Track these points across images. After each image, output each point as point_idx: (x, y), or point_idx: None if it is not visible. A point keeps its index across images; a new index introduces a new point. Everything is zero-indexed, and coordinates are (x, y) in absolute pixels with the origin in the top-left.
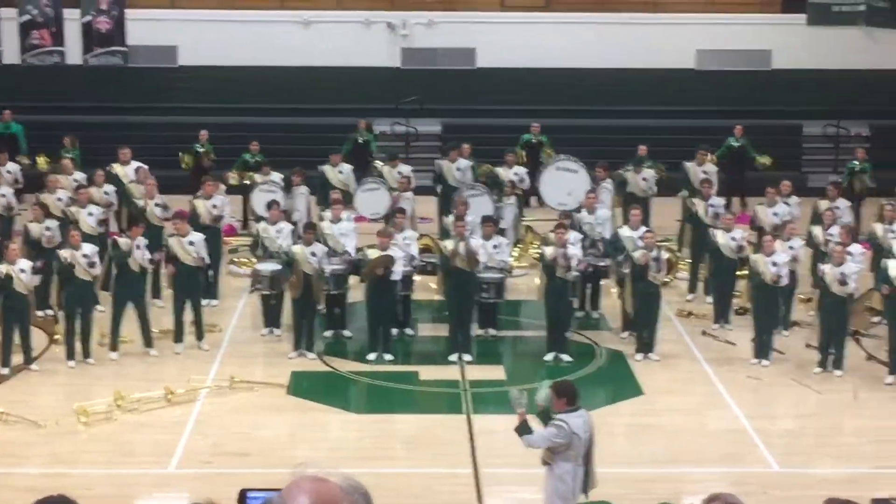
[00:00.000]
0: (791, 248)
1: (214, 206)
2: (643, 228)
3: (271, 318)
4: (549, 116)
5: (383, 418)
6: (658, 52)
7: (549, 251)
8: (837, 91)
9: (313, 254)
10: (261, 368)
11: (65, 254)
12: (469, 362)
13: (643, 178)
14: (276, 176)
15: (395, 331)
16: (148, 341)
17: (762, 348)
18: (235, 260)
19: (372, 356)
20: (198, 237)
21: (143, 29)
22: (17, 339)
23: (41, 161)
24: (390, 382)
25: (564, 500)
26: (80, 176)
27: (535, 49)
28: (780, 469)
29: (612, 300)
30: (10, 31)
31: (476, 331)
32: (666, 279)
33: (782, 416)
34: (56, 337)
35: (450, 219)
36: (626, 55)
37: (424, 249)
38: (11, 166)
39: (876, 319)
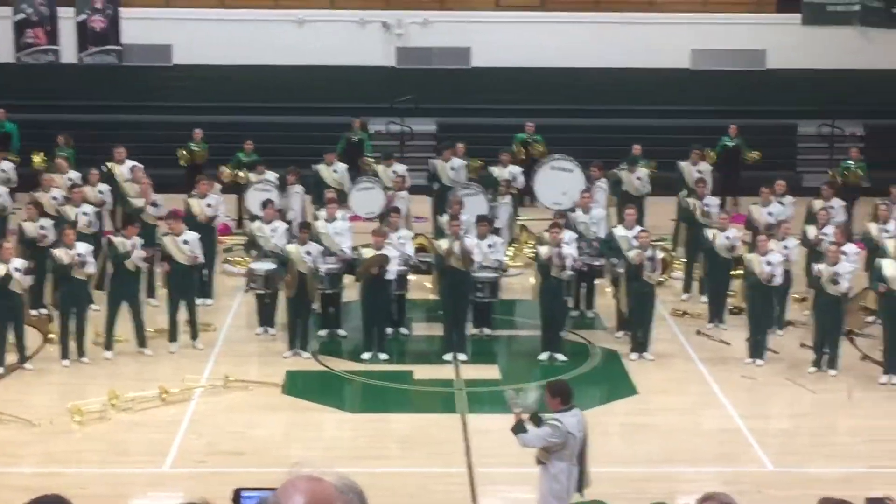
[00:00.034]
0: (786, 247)
1: (209, 205)
2: (638, 228)
3: (266, 317)
4: (544, 116)
5: (378, 417)
6: (653, 52)
7: (543, 250)
8: (832, 91)
9: (308, 253)
10: (255, 367)
11: (59, 253)
12: (464, 362)
13: (637, 176)
14: (271, 175)
15: (389, 330)
16: (142, 341)
17: (756, 348)
18: (230, 259)
19: (366, 355)
20: (192, 236)
21: (137, 28)
22: (11, 338)
23: (38, 159)
24: (385, 382)
25: (559, 500)
26: (74, 175)
27: (529, 48)
28: (774, 468)
29: (606, 299)
30: (5, 29)
31: (471, 330)
32: (661, 279)
33: (777, 415)
34: (50, 336)
35: (444, 218)
36: (620, 55)
37: (419, 249)
38: (6, 165)
39: (870, 319)
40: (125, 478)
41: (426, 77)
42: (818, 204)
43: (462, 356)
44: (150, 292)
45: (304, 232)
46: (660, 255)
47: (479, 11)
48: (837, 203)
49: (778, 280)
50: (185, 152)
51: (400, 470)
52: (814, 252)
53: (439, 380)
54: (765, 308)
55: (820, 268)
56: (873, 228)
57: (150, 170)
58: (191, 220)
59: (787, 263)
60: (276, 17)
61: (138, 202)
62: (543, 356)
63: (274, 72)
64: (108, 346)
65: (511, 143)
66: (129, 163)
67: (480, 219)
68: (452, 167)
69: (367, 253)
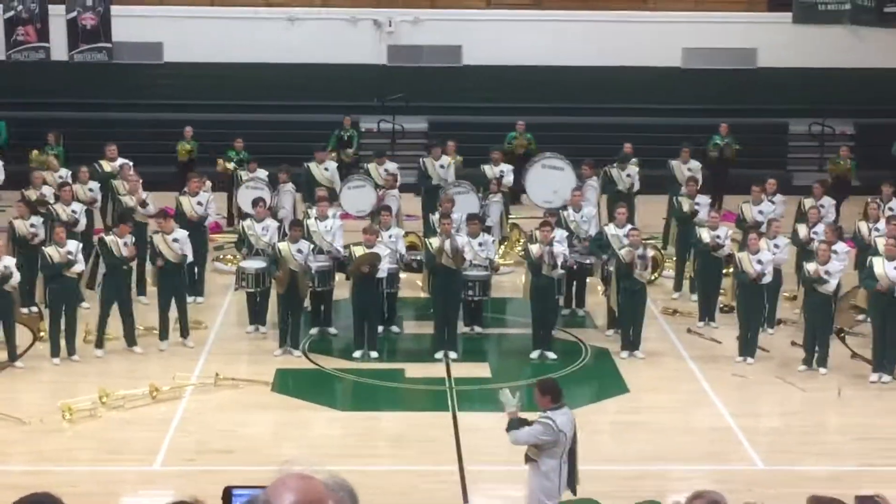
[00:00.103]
0: (776, 246)
1: (199, 204)
2: (629, 226)
3: (257, 315)
4: (535, 114)
5: (369, 416)
6: (644, 51)
7: (534, 249)
8: (823, 89)
9: (299, 251)
10: (246, 366)
11: (49, 251)
12: (455, 360)
13: (627, 174)
14: (262, 173)
15: (380, 328)
16: (132, 340)
17: (747, 346)
18: (221, 257)
19: (357, 353)
20: (182, 234)
21: (128, 25)
22: (1, 335)
23: (37, 156)
24: (376, 380)
25: (549, 498)
26: (64, 172)
27: (521, 47)
28: (764, 467)
29: (597, 298)
30: None
31: (462, 328)
32: (651, 277)
33: (767, 413)
34: (41, 334)
35: (436, 216)
36: (612, 53)
37: (410, 247)
38: None
39: (860, 317)
40: (116, 476)
41: (417, 75)
42: (809, 202)
43: (453, 354)
44: (141, 290)
45: (296, 230)
46: (650, 253)
47: (470, 10)
48: (828, 202)
49: (768, 278)
50: (186, 146)
51: (390, 468)
52: (804, 251)
53: (430, 378)
54: (755, 306)
55: (810, 267)
56: (864, 227)
57: (140, 167)
58: (182, 219)
59: (777, 261)
60: (267, 15)
61: (129, 200)
62: (534, 354)
63: (265, 69)
64: (100, 344)
65: (502, 142)
66: (121, 160)
67: (471, 217)
68: (442, 165)
69: (359, 251)
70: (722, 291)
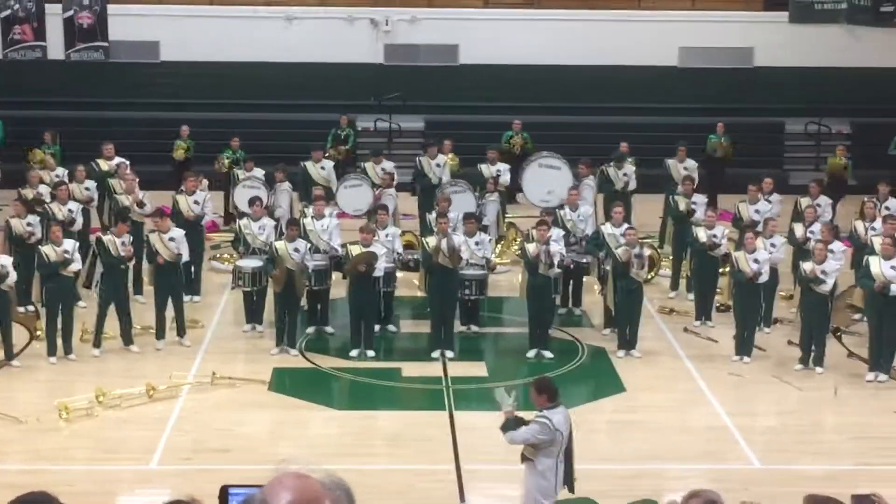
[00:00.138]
0: (773, 245)
1: (196, 202)
2: (625, 225)
3: (253, 314)
4: (531, 113)
5: (365, 415)
6: (641, 50)
7: (531, 248)
8: (819, 88)
9: (296, 250)
10: (242, 365)
11: (46, 250)
12: (451, 359)
13: (623, 173)
14: (259, 172)
15: (377, 327)
16: (128, 339)
17: (744, 345)
18: (217, 256)
19: (354, 352)
20: (178, 233)
21: (125, 24)
22: None
23: (36, 155)
24: (372, 379)
25: (546, 497)
26: (61, 171)
27: (517, 46)
28: (761, 466)
29: (594, 297)
30: None
31: (458, 327)
32: (648, 276)
33: (763, 412)
34: (38, 333)
35: (432, 215)
36: (609, 52)
37: (407, 246)
38: None
39: (857, 316)
40: (112, 475)
41: (414, 74)
42: (805, 202)
43: (449, 353)
44: (137, 289)
45: (293, 229)
46: (647, 252)
47: (467, 9)
48: (824, 201)
49: (765, 277)
50: (183, 144)
51: (387, 467)
52: (801, 250)
53: (427, 377)
54: (752, 305)
55: (806, 266)
56: (860, 226)
57: (137, 166)
58: (178, 218)
59: (774, 261)
60: (265, 14)
61: (125, 200)
62: (531, 353)
63: (262, 68)
64: (97, 343)
65: (499, 141)
66: (118, 159)
67: (468, 216)
68: (437, 164)
69: (355, 250)
70: (718, 290)
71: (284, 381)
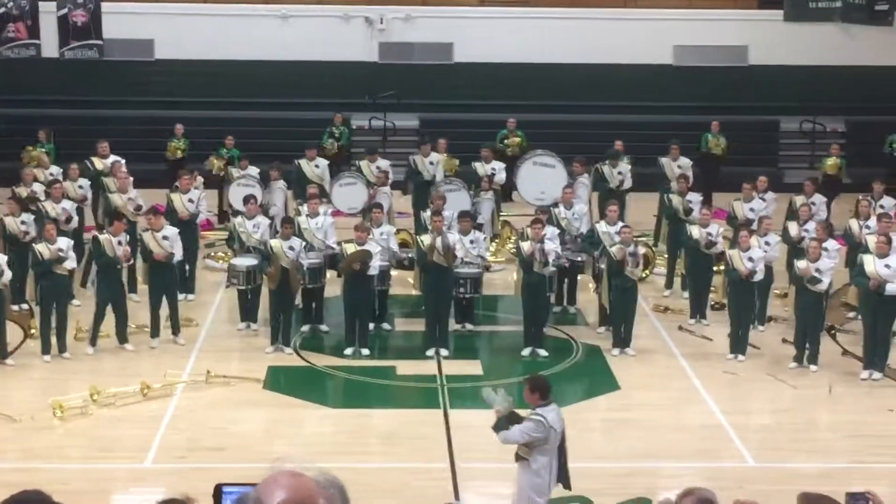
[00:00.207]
0: (767, 243)
1: (191, 201)
2: (620, 224)
3: (248, 312)
4: (526, 111)
5: (360, 413)
6: (636, 48)
7: (525, 246)
8: (814, 87)
9: (291, 248)
10: (237, 363)
11: (40, 248)
12: (446, 357)
13: (618, 172)
14: (254, 170)
15: (371, 325)
16: (123, 337)
17: (738, 343)
18: (212, 254)
19: (349, 351)
20: (171, 231)
21: (119, 22)
22: None
23: (34, 153)
24: (367, 377)
25: (539, 494)
26: (55, 170)
27: (512, 44)
28: (755, 464)
29: (588, 295)
30: None
31: (453, 326)
32: (643, 274)
33: (758, 411)
34: (32, 331)
35: (427, 214)
36: (603, 50)
37: (401, 244)
38: None
39: (851, 315)
40: (107, 473)
41: (409, 72)
42: (800, 200)
43: (444, 352)
44: (132, 288)
45: (287, 227)
46: (642, 250)
47: (462, 7)
48: (819, 199)
49: (759, 276)
50: (178, 143)
51: (382, 465)
52: (795, 248)
53: (422, 375)
54: (746, 304)
55: (800, 264)
56: (854, 225)
57: (131, 165)
58: (173, 216)
59: (768, 259)
60: (259, 12)
61: (118, 199)
62: (526, 352)
63: (256, 67)
64: (94, 342)
65: (494, 139)
66: (113, 158)
67: (463, 214)
68: (431, 161)
69: (350, 248)
70: (713, 289)
71: (279, 380)
